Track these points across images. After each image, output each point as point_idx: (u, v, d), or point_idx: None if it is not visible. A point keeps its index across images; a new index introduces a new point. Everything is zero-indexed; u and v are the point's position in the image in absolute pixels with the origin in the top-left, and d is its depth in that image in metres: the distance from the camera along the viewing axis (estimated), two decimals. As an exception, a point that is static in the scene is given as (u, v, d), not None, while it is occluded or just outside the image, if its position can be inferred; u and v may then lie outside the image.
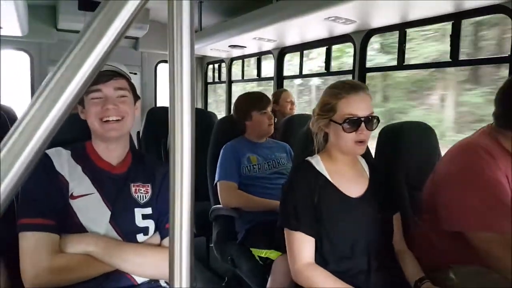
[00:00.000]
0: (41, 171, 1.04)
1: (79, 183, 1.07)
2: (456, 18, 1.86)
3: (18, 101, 4.02)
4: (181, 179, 0.32)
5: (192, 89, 0.32)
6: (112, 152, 1.14)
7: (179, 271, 0.33)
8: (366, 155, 1.42)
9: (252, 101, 2.07)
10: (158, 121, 3.07)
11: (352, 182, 1.27)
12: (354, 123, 1.17)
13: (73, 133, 1.21)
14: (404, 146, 1.58)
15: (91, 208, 1.06)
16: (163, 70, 4.39)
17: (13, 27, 2.65)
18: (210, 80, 4.53)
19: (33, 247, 0.98)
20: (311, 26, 2.33)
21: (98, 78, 1.06)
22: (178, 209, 0.32)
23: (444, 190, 1.28)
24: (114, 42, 0.28)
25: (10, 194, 0.27)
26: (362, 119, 1.17)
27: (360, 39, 2.33)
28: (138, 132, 3.15)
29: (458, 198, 1.23)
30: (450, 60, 1.91)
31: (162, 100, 4.34)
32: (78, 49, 0.28)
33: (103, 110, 1.07)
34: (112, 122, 1.08)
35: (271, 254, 1.65)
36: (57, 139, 1.13)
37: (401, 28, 2.13)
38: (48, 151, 1.09)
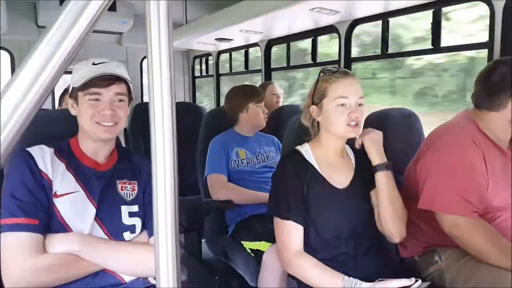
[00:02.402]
0: (24, 169, 1.02)
1: (62, 181, 1.05)
2: (437, 6, 1.90)
3: None
4: (164, 174, 0.32)
5: (172, 82, 0.32)
6: (99, 150, 1.13)
7: (165, 267, 0.33)
8: (353, 143, 1.43)
9: (249, 92, 2.06)
10: (144, 117, 3.02)
11: (339, 172, 1.29)
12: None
13: (55, 130, 1.19)
14: (389, 133, 1.59)
15: (76, 206, 1.04)
16: (149, 65, 4.33)
17: None
18: (197, 74, 4.50)
19: (16, 248, 0.95)
20: (297, 17, 2.33)
21: (100, 82, 1.04)
22: (162, 205, 0.32)
23: (422, 169, 1.32)
24: (83, 35, 0.28)
25: None
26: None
27: (345, 29, 2.34)
28: (125, 129, 3.11)
29: (433, 178, 1.27)
30: (432, 47, 1.94)
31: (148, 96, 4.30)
32: (44, 45, 0.27)
33: (100, 114, 1.05)
34: (106, 125, 1.07)
35: (262, 245, 1.67)
36: (39, 137, 1.12)
37: (384, 17, 2.15)
38: (30, 149, 1.06)
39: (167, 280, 0.33)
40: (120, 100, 1.09)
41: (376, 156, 1.25)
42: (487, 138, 1.28)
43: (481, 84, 1.31)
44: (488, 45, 1.68)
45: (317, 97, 1.25)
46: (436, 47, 1.93)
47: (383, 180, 1.24)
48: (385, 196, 1.24)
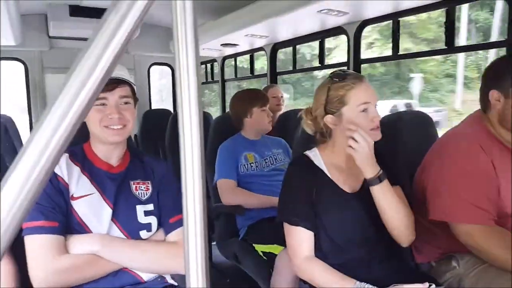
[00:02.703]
0: None
1: (78, 184, 1.08)
2: (450, 4, 1.86)
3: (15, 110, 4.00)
4: (193, 182, 0.33)
5: (199, 92, 0.32)
6: (111, 153, 1.15)
7: (195, 276, 0.33)
8: None
9: (253, 97, 2.07)
10: (154, 124, 3.07)
11: (349, 177, 1.27)
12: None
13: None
14: (402, 137, 1.58)
15: (93, 208, 1.07)
16: (156, 72, 4.37)
17: (7, 36, 2.63)
18: (203, 80, 4.52)
19: (39, 250, 0.99)
20: (303, 20, 2.33)
21: (104, 86, 1.05)
22: (192, 212, 0.33)
23: (432, 179, 1.28)
24: (122, 46, 0.28)
25: (32, 199, 0.28)
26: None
27: (354, 30, 2.33)
28: (135, 136, 3.14)
29: (443, 187, 1.24)
30: (446, 47, 1.91)
31: (156, 103, 4.33)
32: (87, 57, 0.28)
33: (107, 119, 1.07)
34: (115, 129, 1.09)
35: (274, 248, 1.67)
36: None
37: (395, 17, 2.13)
38: None
39: (197, 279, 0.33)
40: (126, 103, 1.11)
41: (368, 168, 1.15)
42: (496, 140, 1.25)
43: (481, 86, 1.29)
44: (508, 43, 1.63)
45: (333, 106, 1.19)
46: (450, 47, 1.90)
47: (380, 193, 1.16)
48: (385, 208, 1.17)
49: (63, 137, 0.28)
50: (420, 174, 1.36)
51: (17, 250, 1.02)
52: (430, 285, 1.05)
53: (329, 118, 1.20)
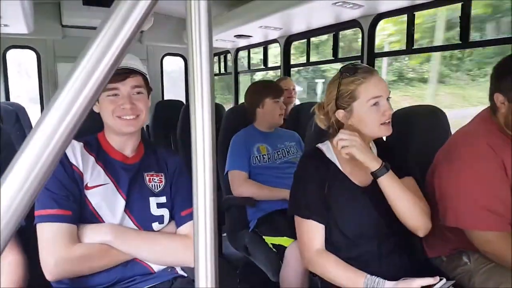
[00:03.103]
0: None
1: (93, 174, 1.09)
2: (466, -2, 1.82)
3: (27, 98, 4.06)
4: (204, 173, 0.33)
5: (212, 83, 0.32)
6: (125, 144, 1.16)
7: (204, 266, 0.34)
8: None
9: (266, 88, 2.07)
10: (166, 114, 3.08)
11: (361, 170, 1.25)
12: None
13: (83, 125, 1.23)
14: (416, 130, 1.56)
15: (106, 198, 1.08)
16: (169, 63, 4.39)
17: (19, 24, 2.66)
18: (216, 71, 4.52)
19: (51, 238, 1.00)
20: (318, 12, 2.30)
21: (115, 76, 1.06)
22: (202, 204, 0.33)
23: (442, 183, 1.26)
24: (132, 35, 0.28)
25: (39, 186, 0.28)
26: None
27: (368, 24, 2.30)
28: (147, 126, 3.17)
29: (455, 192, 1.20)
30: (460, 42, 1.87)
31: (169, 94, 4.36)
32: (96, 46, 0.28)
33: (120, 109, 1.08)
34: (128, 119, 1.09)
35: (284, 241, 1.67)
36: None
37: (410, 11, 2.09)
38: None
39: (206, 276, 0.34)
40: (138, 93, 1.11)
41: (371, 162, 1.14)
42: (507, 137, 1.20)
43: (490, 84, 1.25)
44: None
45: (343, 101, 1.19)
46: (465, 42, 1.86)
47: (387, 183, 1.15)
48: (394, 198, 1.16)
49: (70, 124, 0.28)
50: (431, 176, 1.33)
51: (28, 239, 1.04)
52: (440, 279, 1.04)
53: (340, 113, 1.21)
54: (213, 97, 0.33)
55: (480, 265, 1.22)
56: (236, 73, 3.98)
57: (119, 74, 1.07)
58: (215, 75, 4.56)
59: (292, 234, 1.49)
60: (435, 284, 1.03)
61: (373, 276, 1.09)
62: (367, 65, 1.23)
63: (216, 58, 4.44)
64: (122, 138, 1.15)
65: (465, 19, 1.84)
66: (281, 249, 1.67)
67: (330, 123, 1.26)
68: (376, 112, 1.16)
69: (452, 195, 1.21)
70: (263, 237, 1.81)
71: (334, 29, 2.64)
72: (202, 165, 0.33)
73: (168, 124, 3.10)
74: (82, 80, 0.28)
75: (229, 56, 4.07)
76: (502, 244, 1.12)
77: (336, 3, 2.00)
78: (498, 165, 1.16)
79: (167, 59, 4.31)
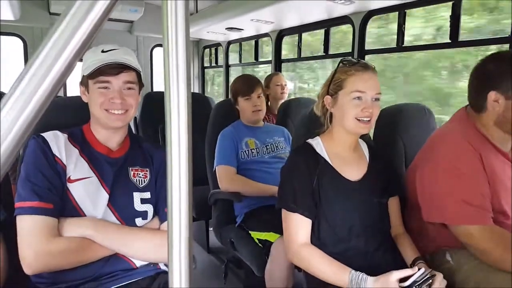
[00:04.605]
0: (38, 154, 1.03)
1: (76, 167, 1.07)
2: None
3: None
4: (178, 164, 0.32)
5: (188, 73, 0.31)
6: (111, 137, 1.14)
7: (178, 255, 0.32)
8: (365, 138, 1.41)
9: (237, 86, 2.06)
10: (155, 106, 3.03)
11: (351, 166, 1.27)
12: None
13: (69, 116, 1.20)
14: (402, 129, 1.57)
15: (89, 192, 1.06)
16: (159, 54, 4.33)
17: (5, 10, 2.59)
18: (207, 64, 4.48)
19: (31, 231, 0.97)
20: (309, 7, 2.29)
21: (108, 70, 1.04)
22: (177, 195, 0.32)
23: (423, 180, 1.26)
24: (101, 18, 0.27)
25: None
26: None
27: (359, 20, 2.29)
28: (135, 118, 3.12)
29: (437, 189, 1.21)
30: (450, 41, 1.88)
31: (159, 85, 4.31)
32: (63, 29, 0.27)
33: (109, 103, 1.06)
34: (117, 114, 1.07)
35: (270, 236, 1.67)
36: (52, 122, 1.13)
37: (401, 8, 2.09)
38: (44, 134, 1.08)
39: (179, 269, 0.33)
40: (130, 88, 1.09)
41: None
42: (484, 138, 1.22)
43: (469, 83, 1.25)
44: (510, 39, 1.62)
45: (333, 87, 1.23)
46: (455, 41, 1.87)
47: None
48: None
49: (29, 117, 0.26)
50: (412, 173, 1.34)
51: (8, 231, 1.01)
52: (419, 269, 1.06)
53: (328, 99, 1.25)
54: (190, 87, 0.32)
55: (461, 264, 1.23)
56: (227, 67, 3.94)
57: (113, 67, 1.05)
58: (205, 68, 4.52)
59: (278, 230, 1.49)
60: (413, 274, 1.05)
61: (358, 271, 1.09)
62: (367, 62, 1.23)
63: (207, 51, 4.40)
64: (109, 132, 1.12)
65: (455, 18, 1.85)
66: (267, 244, 1.67)
67: (323, 111, 1.29)
68: (356, 106, 1.18)
69: (433, 191, 1.23)
70: (250, 232, 1.80)
71: (326, 24, 2.64)
72: (177, 157, 0.31)
73: (157, 117, 3.06)
74: (45, 69, 0.26)
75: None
76: (484, 237, 1.14)
77: (328, -2, 1.99)
78: (477, 160, 1.18)
79: (157, 50, 4.25)
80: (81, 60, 1.09)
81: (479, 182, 1.17)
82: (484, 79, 1.20)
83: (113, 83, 1.06)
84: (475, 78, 1.24)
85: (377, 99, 1.19)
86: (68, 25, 0.27)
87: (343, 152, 1.27)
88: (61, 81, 0.27)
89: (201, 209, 2.35)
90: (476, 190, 1.16)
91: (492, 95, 1.17)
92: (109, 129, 1.11)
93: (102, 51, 1.06)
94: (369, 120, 1.18)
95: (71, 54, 0.27)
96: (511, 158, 1.25)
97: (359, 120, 1.18)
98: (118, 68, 1.05)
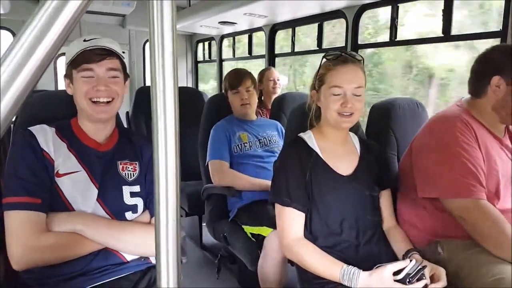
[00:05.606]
0: (26, 149, 1.01)
1: (65, 161, 1.05)
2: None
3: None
4: (165, 159, 0.31)
5: (175, 66, 0.31)
6: (99, 131, 1.12)
7: (165, 250, 0.32)
8: (357, 132, 1.42)
9: (226, 79, 2.08)
10: (147, 101, 2.99)
11: (343, 159, 1.28)
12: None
13: (56, 110, 1.18)
14: (395, 123, 1.58)
15: (78, 186, 1.05)
16: (152, 48, 4.28)
17: None
18: (200, 58, 4.45)
19: (19, 226, 0.96)
20: (303, 1, 2.27)
21: (91, 57, 1.03)
22: (164, 188, 0.32)
23: (420, 159, 1.30)
24: (78, 11, 0.26)
25: None
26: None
27: (353, 14, 2.29)
28: (127, 112, 3.10)
29: (433, 165, 1.25)
30: (442, 35, 1.89)
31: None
32: (38, 19, 0.26)
33: (94, 91, 1.04)
34: (102, 104, 1.05)
35: (263, 230, 1.67)
36: (40, 116, 1.11)
37: (394, 3, 2.09)
38: (32, 128, 1.06)
39: (167, 262, 0.32)
40: (114, 76, 1.07)
41: None
42: (479, 124, 1.28)
43: (471, 69, 1.32)
44: (501, 33, 1.63)
45: (317, 83, 1.25)
46: (447, 35, 1.88)
47: None
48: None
49: (13, 97, 0.26)
50: (407, 158, 1.38)
51: None
52: (410, 261, 1.07)
53: (313, 93, 1.28)
54: (176, 80, 0.31)
55: (453, 255, 1.25)
56: (221, 61, 3.92)
57: (96, 54, 1.03)
58: (199, 62, 4.49)
59: (271, 224, 1.49)
60: (406, 267, 1.06)
61: (350, 266, 1.10)
62: (350, 55, 1.22)
63: (200, 45, 4.36)
64: (97, 125, 1.11)
65: (447, 12, 1.85)
66: (260, 238, 1.67)
67: (313, 106, 1.31)
68: (336, 101, 1.19)
69: (429, 166, 1.26)
70: (243, 226, 1.81)
71: (319, 19, 2.63)
72: (163, 152, 0.31)
73: (149, 111, 3.02)
74: (24, 56, 0.26)
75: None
76: (478, 211, 1.17)
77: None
78: (472, 138, 1.23)
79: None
80: (63, 54, 1.08)
81: (475, 158, 1.20)
82: (488, 64, 1.27)
83: (96, 70, 1.04)
84: (478, 63, 1.30)
85: (356, 94, 1.19)
86: (49, 10, 0.26)
87: (334, 145, 1.28)
88: (41, 69, 0.26)
89: (194, 204, 2.35)
90: (472, 166, 1.19)
91: (495, 79, 1.23)
92: (96, 123, 1.10)
93: (84, 40, 1.05)
94: (351, 114, 1.19)
95: (52, 41, 0.26)
96: (504, 143, 1.31)
97: (340, 114, 1.19)
98: (101, 55, 1.03)
